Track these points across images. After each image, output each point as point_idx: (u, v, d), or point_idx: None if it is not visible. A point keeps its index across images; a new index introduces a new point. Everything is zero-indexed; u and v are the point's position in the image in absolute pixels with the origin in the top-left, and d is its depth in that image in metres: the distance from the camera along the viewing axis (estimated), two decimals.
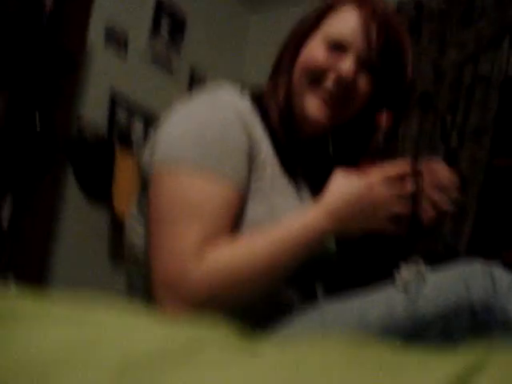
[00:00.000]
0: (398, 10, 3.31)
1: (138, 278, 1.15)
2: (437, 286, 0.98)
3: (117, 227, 2.84)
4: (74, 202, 2.76)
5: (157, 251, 1.00)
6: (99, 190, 2.78)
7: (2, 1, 2.38)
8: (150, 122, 3.15)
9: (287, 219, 1.03)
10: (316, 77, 1.12)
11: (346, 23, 1.12)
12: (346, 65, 1.10)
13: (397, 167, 1.04)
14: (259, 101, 1.16)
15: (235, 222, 1.03)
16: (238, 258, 0.98)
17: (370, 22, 1.11)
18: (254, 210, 1.07)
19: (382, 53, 1.11)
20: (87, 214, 2.82)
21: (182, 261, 0.96)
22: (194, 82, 3.53)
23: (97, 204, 2.85)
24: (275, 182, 1.11)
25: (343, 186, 1.03)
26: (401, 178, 1.02)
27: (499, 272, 0.97)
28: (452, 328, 0.95)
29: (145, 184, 1.11)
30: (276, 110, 1.14)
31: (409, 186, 1.02)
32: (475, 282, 0.95)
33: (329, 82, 1.11)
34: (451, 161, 2.95)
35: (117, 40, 3.03)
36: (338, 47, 1.11)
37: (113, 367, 0.31)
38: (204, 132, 1.02)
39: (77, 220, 2.77)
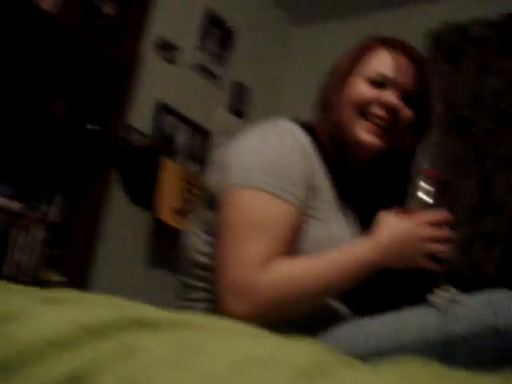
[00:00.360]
0: (441, 34, 3.37)
1: (195, 290, 1.24)
2: (466, 309, 1.06)
3: (158, 232, 2.94)
4: (118, 206, 2.84)
5: (226, 263, 1.10)
6: (143, 196, 2.88)
7: (66, 6, 2.49)
8: (194, 131, 3.25)
9: (344, 247, 1.15)
10: (363, 109, 1.27)
11: (383, 63, 1.29)
12: (390, 95, 1.27)
13: (438, 214, 1.16)
14: (312, 134, 1.28)
15: (295, 238, 1.15)
16: (300, 273, 1.10)
17: (406, 61, 1.29)
18: (315, 234, 1.19)
19: (418, 88, 1.30)
20: (131, 217, 2.91)
21: (250, 270, 1.07)
22: (238, 94, 3.62)
23: (141, 209, 2.94)
24: (331, 209, 1.24)
25: (394, 224, 1.16)
26: (440, 223, 1.15)
27: None
28: (479, 350, 1.01)
29: (211, 204, 1.22)
30: (329, 142, 1.28)
31: (447, 231, 1.15)
32: (502, 308, 1.02)
33: (376, 109, 1.27)
34: (484, 186, 3.00)
35: (166, 51, 3.14)
36: (378, 84, 1.28)
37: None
38: (272, 159, 1.15)
39: (120, 223, 2.86)
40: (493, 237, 2.92)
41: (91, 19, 2.61)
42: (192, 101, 3.29)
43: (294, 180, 1.15)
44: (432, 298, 1.12)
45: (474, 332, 1.02)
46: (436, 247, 1.14)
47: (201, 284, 1.24)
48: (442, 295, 1.11)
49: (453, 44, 3.32)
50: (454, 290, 1.12)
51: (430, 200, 1.18)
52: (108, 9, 2.64)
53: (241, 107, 3.64)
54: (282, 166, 1.15)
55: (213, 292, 1.19)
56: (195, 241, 1.26)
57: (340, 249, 1.15)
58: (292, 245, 1.15)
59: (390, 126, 1.28)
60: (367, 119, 1.27)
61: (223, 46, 3.49)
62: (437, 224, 1.15)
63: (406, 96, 1.30)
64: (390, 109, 1.27)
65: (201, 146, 3.23)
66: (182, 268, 1.32)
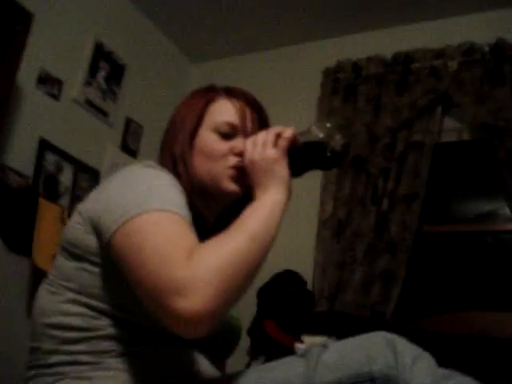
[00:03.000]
0: (337, 70, 3.37)
1: (54, 355, 1.11)
2: (339, 354, 1.02)
3: (37, 280, 2.72)
4: None
5: (148, 274, 0.97)
6: (21, 242, 2.66)
7: None
8: (81, 171, 3.06)
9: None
10: (220, 162, 1.29)
11: (228, 113, 1.32)
12: (241, 143, 1.29)
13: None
14: None
15: None
16: (223, 248, 0.99)
17: (248, 108, 1.34)
18: None
19: (257, 130, 1.33)
20: (8, 265, 2.68)
21: (179, 267, 0.95)
22: (130, 131, 3.46)
23: (18, 256, 2.72)
24: None
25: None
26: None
27: (403, 345, 1.02)
28: None
29: (72, 254, 1.14)
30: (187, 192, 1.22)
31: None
32: (377, 353, 1.00)
33: (232, 160, 1.28)
34: (381, 224, 2.97)
35: (49, 85, 2.95)
36: (228, 134, 1.31)
37: None
38: (155, 184, 1.09)
39: None
40: (391, 276, 2.88)
41: None
42: (79, 138, 3.12)
43: (178, 201, 1.10)
44: (298, 346, 1.09)
45: (346, 381, 0.99)
46: (265, 138, 1.22)
47: (63, 347, 1.11)
48: (311, 340, 1.07)
49: (348, 82, 3.31)
50: (324, 338, 1.08)
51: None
52: None
53: (133, 145, 3.49)
54: (161, 190, 1.09)
55: (75, 353, 1.09)
56: (56, 301, 1.14)
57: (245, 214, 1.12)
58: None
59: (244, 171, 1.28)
60: (226, 169, 1.29)
61: (114, 82, 3.34)
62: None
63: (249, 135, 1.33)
64: (242, 156, 1.28)
65: (88, 187, 3.04)
66: (34, 332, 1.18)
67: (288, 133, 1.21)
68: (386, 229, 2.96)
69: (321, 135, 1.20)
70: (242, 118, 1.33)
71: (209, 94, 1.37)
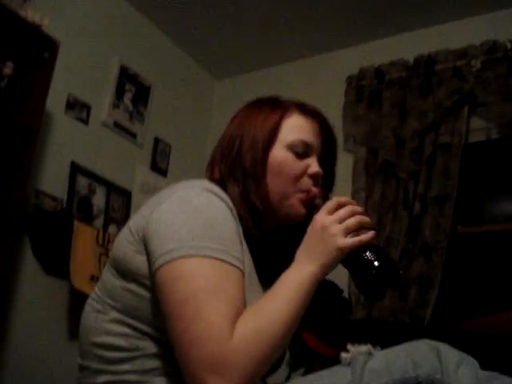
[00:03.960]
0: (360, 77, 3.37)
1: (101, 374, 1.11)
2: (384, 361, 1.02)
3: (74, 301, 2.75)
4: (31, 277, 2.68)
5: (191, 339, 0.97)
6: (57, 264, 2.70)
7: None
8: (112, 192, 3.11)
9: (279, 279, 1.09)
10: (295, 184, 1.26)
11: (302, 131, 1.29)
12: (314, 165, 1.28)
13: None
14: None
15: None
16: (262, 320, 1.01)
17: (319, 125, 1.31)
18: None
19: (330, 152, 1.34)
20: (45, 288, 2.73)
21: (223, 341, 0.96)
22: (158, 151, 3.51)
23: (55, 278, 2.77)
24: (250, 276, 1.16)
25: (306, 237, 1.16)
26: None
27: (446, 350, 1.03)
28: None
29: (120, 272, 1.12)
30: (249, 215, 1.21)
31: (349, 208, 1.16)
32: (422, 358, 1.00)
33: (306, 182, 1.26)
34: (414, 228, 2.94)
35: (78, 109, 3.01)
36: (302, 154, 1.27)
37: None
38: (203, 220, 1.06)
39: (34, 295, 2.68)
40: (427, 280, 2.85)
41: None
42: (109, 160, 3.17)
43: (233, 242, 1.08)
44: (344, 355, 1.08)
45: None
46: (348, 221, 1.12)
47: (109, 367, 1.10)
48: (356, 348, 1.07)
49: (371, 88, 3.31)
50: (369, 346, 1.07)
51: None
52: (6, 69, 2.49)
53: (163, 164, 3.53)
54: (216, 228, 1.06)
55: (121, 373, 1.08)
56: (101, 320, 1.13)
57: (278, 282, 1.08)
58: (243, 301, 1.06)
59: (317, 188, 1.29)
60: (299, 192, 1.26)
61: (140, 103, 3.39)
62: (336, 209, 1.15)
63: (320, 160, 1.31)
64: (316, 178, 1.28)
65: (120, 208, 3.08)
66: (82, 350, 1.17)
67: (368, 236, 1.11)
68: (420, 232, 2.94)
69: None
70: (316, 137, 1.30)
71: (281, 107, 1.31)
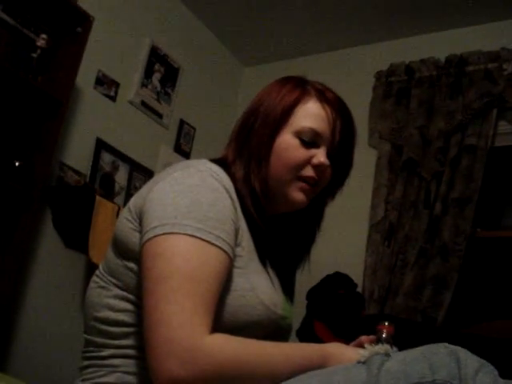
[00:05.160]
0: (389, 73, 3.35)
1: (105, 348, 1.11)
2: (401, 363, 0.99)
3: (91, 276, 2.78)
4: (51, 248, 2.71)
5: (161, 320, 0.96)
6: (77, 237, 2.73)
7: None
8: (135, 170, 3.13)
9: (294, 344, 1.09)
10: (296, 171, 1.23)
11: (315, 119, 1.24)
12: (321, 155, 1.24)
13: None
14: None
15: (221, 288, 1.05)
16: (248, 348, 1.00)
17: (336, 117, 1.25)
18: (236, 283, 1.09)
19: (343, 143, 1.27)
20: (63, 261, 2.76)
21: (194, 330, 0.94)
22: (183, 133, 3.52)
23: (74, 251, 2.80)
24: (252, 258, 1.15)
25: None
26: None
27: (466, 355, 0.99)
28: None
29: (119, 251, 1.12)
30: (249, 196, 1.20)
31: None
32: (440, 363, 0.96)
33: (308, 171, 1.23)
34: (433, 229, 2.93)
35: (107, 86, 3.03)
36: (310, 142, 1.24)
37: None
38: (194, 200, 1.04)
39: (53, 266, 2.72)
40: (443, 281, 2.84)
41: (21, 51, 2.48)
42: (134, 139, 3.19)
43: (221, 223, 1.05)
44: (361, 352, 1.06)
45: None
46: None
47: (113, 342, 1.11)
48: (373, 347, 1.06)
49: (400, 85, 3.30)
50: (387, 346, 1.06)
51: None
52: (40, 41, 2.51)
53: (186, 147, 3.54)
54: (203, 208, 1.04)
55: (124, 347, 1.09)
56: (104, 295, 1.14)
57: (290, 343, 1.08)
58: (221, 289, 1.04)
59: (317, 183, 1.26)
60: (299, 180, 1.24)
61: (168, 84, 3.40)
62: None
63: (331, 151, 1.27)
64: (320, 169, 1.24)
65: (142, 186, 3.10)
66: (87, 325, 1.18)
67: None
68: (439, 233, 2.92)
69: None
70: (331, 127, 1.25)
71: (301, 90, 1.27)
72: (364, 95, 3.41)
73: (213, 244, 1.02)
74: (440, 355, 0.99)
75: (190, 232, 1.00)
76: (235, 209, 1.11)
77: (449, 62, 3.18)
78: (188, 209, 1.03)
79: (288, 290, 1.32)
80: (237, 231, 1.11)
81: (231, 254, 1.06)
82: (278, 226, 1.34)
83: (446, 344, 1.02)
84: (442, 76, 3.17)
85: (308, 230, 1.37)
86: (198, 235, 1.00)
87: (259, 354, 1.01)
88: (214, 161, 1.19)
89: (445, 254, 2.87)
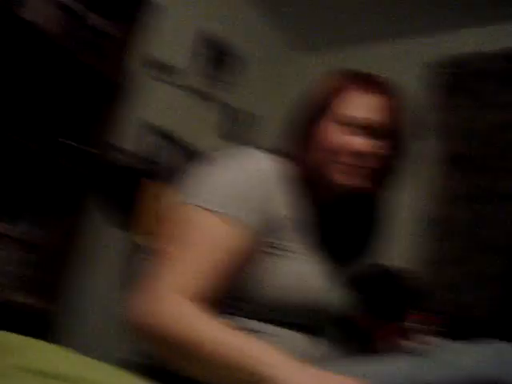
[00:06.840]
0: (438, 68, 3.30)
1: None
2: (451, 355, 1.03)
3: (133, 255, 2.83)
4: (96, 227, 2.77)
5: (160, 275, 1.07)
6: (121, 217, 2.78)
7: (50, 16, 2.42)
8: (183, 154, 3.17)
9: (259, 347, 0.98)
10: (333, 156, 1.24)
11: (355, 106, 1.25)
12: (359, 142, 1.24)
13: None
14: (288, 166, 1.27)
15: (242, 263, 1.13)
16: (188, 340, 1.00)
17: (379, 99, 1.26)
18: (283, 269, 1.17)
19: (390, 126, 1.27)
20: (109, 240, 2.83)
21: (162, 295, 1.04)
22: (233, 119, 3.55)
23: (120, 231, 2.85)
24: (300, 244, 1.22)
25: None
26: None
27: None
28: None
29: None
30: (304, 178, 1.26)
31: None
32: (487, 360, 1.00)
33: (344, 157, 1.24)
34: (479, 223, 2.89)
35: (159, 69, 3.07)
36: (349, 128, 1.24)
37: None
38: (225, 181, 1.16)
39: (97, 245, 2.79)
40: (488, 276, 2.80)
41: (77, 31, 2.53)
42: (184, 123, 3.22)
43: (246, 204, 1.14)
44: (410, 344, 1.19)
45: (455, 382, 1.00)
46: None
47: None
48: (421, 341, 1.18)
49: (450, 77, 3.25)
50: (440, 338, 1.16)
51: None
52: (95, 22, 2.56)
53: (234, 133, 3.57)
54: (234, 189, 1.15)
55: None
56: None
57: (250, 342, 0.99)
58: (235, 269, 1.11)
59: (361, 170, 1.25)
60: (337, 163, 1.25)
61: (222, 70, 3.43)
62: None
63: (379, 133, 1.26)
64: (358, 156, 1.24)
65: (190, 170, 3.14)
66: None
67: None
68: (485, 228, 2.89)
69: None
70: (369, 110, 1.25)
71: (338, 82, 1.31)
72: (414, 87, 3.36)
73: (227, 219, 1.11)
74: (488, 352, 1.01)
75: (205, 205, 1.11)
76: (274, 197, 1.18)
77: (502, 55, 3.11)
78: (212, 186, 1.15)
79: (348, 278, 1.36)
80: (275, 220, 1.17)
81: (251, 235, 1.12)
82: (348, 215, 1.36)
83: (497, 341, 1.04)
84: (496, 69, 3.11)
85: (369, 219, 1.39)
86: (212, 208, 1.11)
87: (199, 348, 0.98)
88: (269, 150, 1.27)
89: (491, 249, 2.83)
